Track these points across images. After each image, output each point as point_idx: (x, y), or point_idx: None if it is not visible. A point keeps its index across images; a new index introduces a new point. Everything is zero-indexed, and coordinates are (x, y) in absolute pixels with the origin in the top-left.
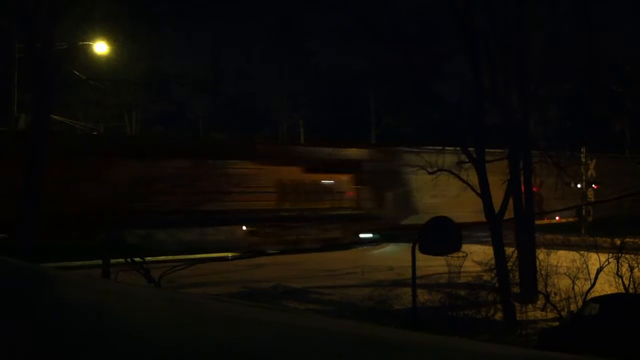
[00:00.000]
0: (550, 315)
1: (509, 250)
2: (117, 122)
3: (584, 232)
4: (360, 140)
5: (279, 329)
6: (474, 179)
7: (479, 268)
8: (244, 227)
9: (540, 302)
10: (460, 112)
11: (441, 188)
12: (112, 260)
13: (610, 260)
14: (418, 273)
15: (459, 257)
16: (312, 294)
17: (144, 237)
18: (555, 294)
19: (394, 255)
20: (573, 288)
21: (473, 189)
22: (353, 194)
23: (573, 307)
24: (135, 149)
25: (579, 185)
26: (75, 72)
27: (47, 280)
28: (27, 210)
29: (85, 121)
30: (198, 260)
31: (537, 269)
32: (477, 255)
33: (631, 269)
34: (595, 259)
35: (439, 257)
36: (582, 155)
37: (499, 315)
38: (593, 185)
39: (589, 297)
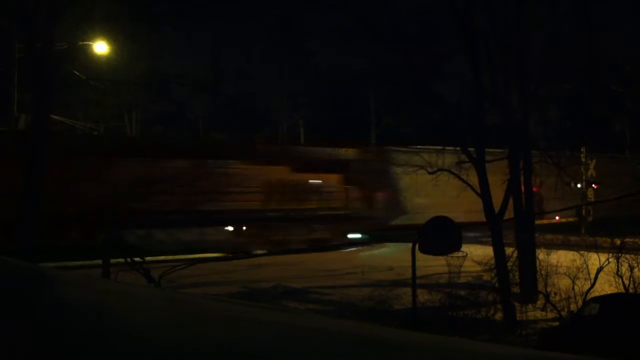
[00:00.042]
0: (550, 315)
1: (509, 250)
2: (117, 122)
3: (584, 232)
4: (349, 140)
5: (279, 329)
6: (473, 179)
7: (479, 268)
8: (229, 228)
9: (540, 302)
10: (460, 112)
11: (431, 188)
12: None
13: (610, 260)
14: (418, 273)
15: (459, 257)
16: (312, 294)
17: (144, 237)
18: (555, 294)
19: (393, 255)
20: (573, 288)
21: (473, 189)
22: (341, 194)
23: (573, 307)
24: (135, 149)
25: (579, 185)
26: (75, 72)
27: (47, 280)
28: (27, 210)
29: (85, 121)
30: (198, 260)
31: (537, 269)
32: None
33: (631, 268)
34: (595, 259)
35: (439, 257)
36: (582, 155)
37: (499, 315)
38: (593, 185)
39: (589, 297)
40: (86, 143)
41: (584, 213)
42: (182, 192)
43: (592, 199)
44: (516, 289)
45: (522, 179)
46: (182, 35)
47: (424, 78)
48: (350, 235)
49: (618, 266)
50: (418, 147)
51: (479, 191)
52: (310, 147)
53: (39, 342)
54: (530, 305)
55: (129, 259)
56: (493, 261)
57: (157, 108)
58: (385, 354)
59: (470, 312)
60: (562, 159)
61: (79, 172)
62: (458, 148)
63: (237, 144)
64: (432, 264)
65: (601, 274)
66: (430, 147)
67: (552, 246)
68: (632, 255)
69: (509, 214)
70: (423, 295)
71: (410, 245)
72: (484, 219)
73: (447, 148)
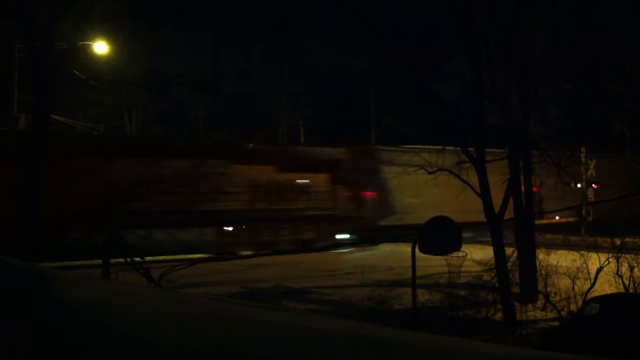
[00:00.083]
0: (550, 315)
1: (509, 250)
2: (117, 122)
3: (584, 232)
4: (336, 140)
5: (279, 329)
6: (473, 179)
7: (479, 268)
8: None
9: (540, 302)
10: (460, 112)
11: (420, 188)
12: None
13: (610, 260)
14: (418, 273)
15: (459, 257)
16: (312, 294)
17: (144, 237)
18: (555, 293)
19: (393, 255)
20: (573, 288)
21: (473, 189)
22: (329, 194)
23: (573, 307)
24: (135, 149)
25: (579, 185)
26: (75, 72)
27: (47, 280)
28: (27, 210)
29: (85, 121)
30: (198, 260)
31: (537, 268)
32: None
33: (631, 268)
34: (595, 259)
35: (439, 257)
36: (582, 155)
37: (499, 315)
38: (593, 185)
39: (589, 297)
40: (86, 143)
41: (583, 213)
42: (181, 192)
43: (592, 199)
44: (516, 289)
45: (522, 179)
46: (182, 35)
47: (424, 78)
48: (338, 236)
49: (618, 266)
50: (409, 146)
51: (479, 191)
52: (298, 147)
53: (39, 342)
54: (530, 305)
55: (129, 259)
56: (493, 261)
57: (157, 108)
58: (385, 354)
59: (470, 312)
60: (562, 159)
61: (79, 172)
62: (457, 148)
63: (230, 144)
64: (432, 264)
65: (601, 274)
66: (423, 146)
67: (552, 246)
68: (632, 255)
69: (509, 213)
70: (423, 295)
71: (401, 246)
72: (474, 219)
73: (447, 148)
